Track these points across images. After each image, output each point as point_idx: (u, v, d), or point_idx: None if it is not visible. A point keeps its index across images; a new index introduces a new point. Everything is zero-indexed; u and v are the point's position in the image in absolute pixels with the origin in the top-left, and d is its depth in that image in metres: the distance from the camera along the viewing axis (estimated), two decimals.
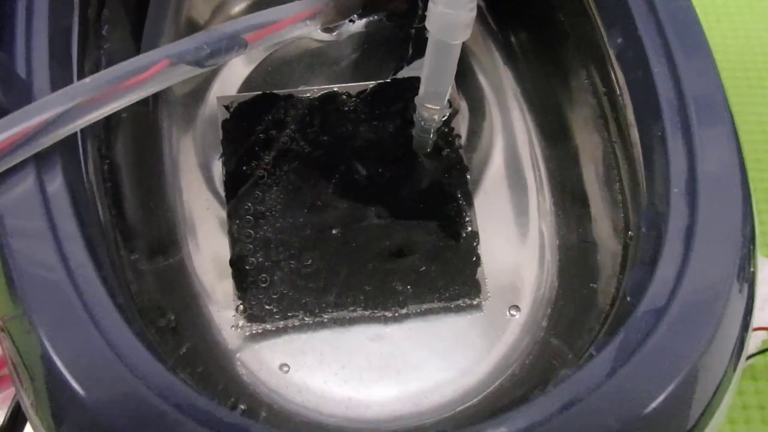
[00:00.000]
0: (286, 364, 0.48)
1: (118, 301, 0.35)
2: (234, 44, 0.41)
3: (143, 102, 0.51)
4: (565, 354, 0.46)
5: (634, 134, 0.42)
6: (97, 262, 0.35)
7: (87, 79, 0.36)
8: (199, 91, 0.54)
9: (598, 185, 0.48)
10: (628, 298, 0.36)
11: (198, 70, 0.40)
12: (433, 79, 0.44)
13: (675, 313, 0.32)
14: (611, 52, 0.44)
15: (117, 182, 0.45)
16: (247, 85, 0.55)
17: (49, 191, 0.36)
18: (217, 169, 0.52)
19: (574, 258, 0.50)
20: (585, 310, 0.46)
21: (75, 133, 0.40)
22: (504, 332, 0.50)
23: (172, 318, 0.46)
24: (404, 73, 0.54)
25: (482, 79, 0.57)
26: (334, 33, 0.55)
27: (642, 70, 0.39)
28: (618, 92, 0.44)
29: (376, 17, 0.55)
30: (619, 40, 0.43)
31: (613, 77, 0.45)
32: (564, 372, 0.35)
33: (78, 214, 0.35)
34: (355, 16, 0.54)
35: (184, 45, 0.39)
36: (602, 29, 0.45)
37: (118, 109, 0.37)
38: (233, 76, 0.55)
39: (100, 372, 0.31)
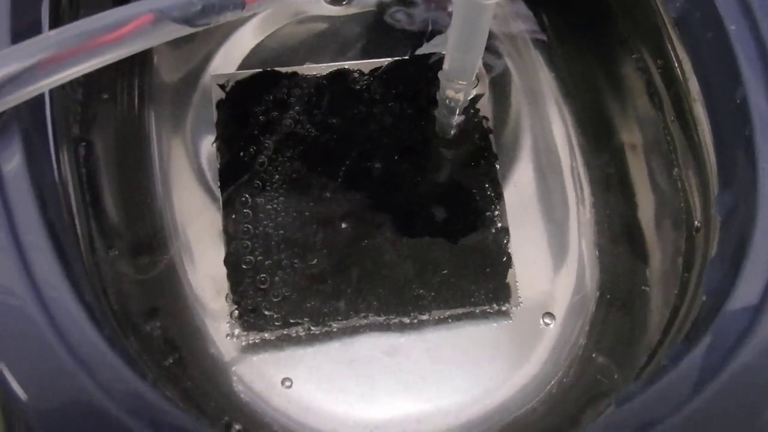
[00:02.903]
0: (288, 379, 0.42)
1: (86, 299, 0.29)
2: (229, 2, 0.35)
3: (127, 79, 0.46)
4: (611, 371, 0.39)
5: (698, 109, 0.37)
6: (61, 251, 0.29)
7: (51, 32, 0.30)
8: (193, 71, 0.48)
9: (649, 171, 0.42)
10: (704, 298, 0.30)
11: (187, 30, 0.34)
12: (460, 50, 0.38)
13: None
14: (668, 19, 0.39)
15: (94, 168, 0.40)
16: (246, 65, 0.48)
17: (5, 170, 0.30)
18: (212, 156, 0.46)
19: (619, 257, 0.44)
20: (637, 316, 0.40)
21: (42, 106, 0.34)
22: (537, 344, 0.44)
23: (158, 324, 0.40)
24: (424, 50, 0.48)
25: (510, 64, 0.51)
26: (344, 3, 0.49)
27: (713, 31, 0.33)
28: (676, 64, 0.39)
29: None
30: (679, 3, 0.37)
31: (669, 48, 0.39)
32: (628, 387, 0.29)
33: (39, 197, 0.30)
34: None
35: None
36: None
37: (89, 70, 0.31)
38: (231, 56, 0.49)
39: (54, 379, 0.25)
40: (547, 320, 0.44)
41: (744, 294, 0.27)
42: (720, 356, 0.26)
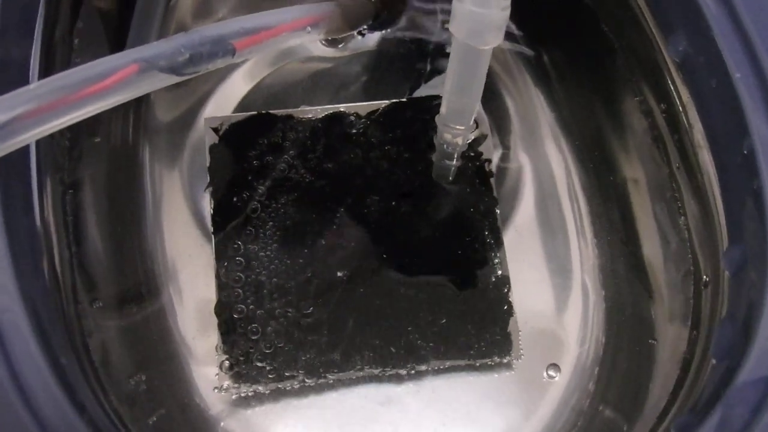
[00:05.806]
0: None
1: (61, 362, 0.27)
2: (219, 50, 0.34)
3: (120, 124, 0.45)
4: (620, 425, 0.37)
5: (704, 157, 0.35)
6: (34, 312, 0.27)
7: (32, 85, 0.29)
8: (187, 114, 0.47)
9: (655, 221, 0.41)
10: (714, 361, 0.28)
11: (174, 79, 0.33)
12: (457, 94, 0.37)
13: None
14: (671, 62, 0.37)
15: (83, 216, 0.39)
16: (242, 107, 0.47)
17: None
18: (205, 201, 0.44)
19: (626, 307, 0.42)
20: (644, 371, 0.38)
21: (27, 153, 0.34)
22: (541, 398, 0.42)
23: (143, 378, 0.39)
24: (422, 92, 0.47)
25: (509, 103, 0.49)
26: (340, 46, 0.48)
27: (717, 78, 0.32)
28: (681, 109, 0.37)
29: (389, 30, 0.48)
30: (682, 47, 0.36)
31: (673, 92, 0.38)
32: None
33: (12, 251, 0.28)
34: (365, 28, 0.48)
35: (159, 47, 0.32)
36: (658, 37, 0.38)
37: (75, 122, 0.30)
38: (226, 98, 0.48)
39: None
40: (551, 372, 0.43)
41: (757, 364, 0.25)
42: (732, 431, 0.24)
